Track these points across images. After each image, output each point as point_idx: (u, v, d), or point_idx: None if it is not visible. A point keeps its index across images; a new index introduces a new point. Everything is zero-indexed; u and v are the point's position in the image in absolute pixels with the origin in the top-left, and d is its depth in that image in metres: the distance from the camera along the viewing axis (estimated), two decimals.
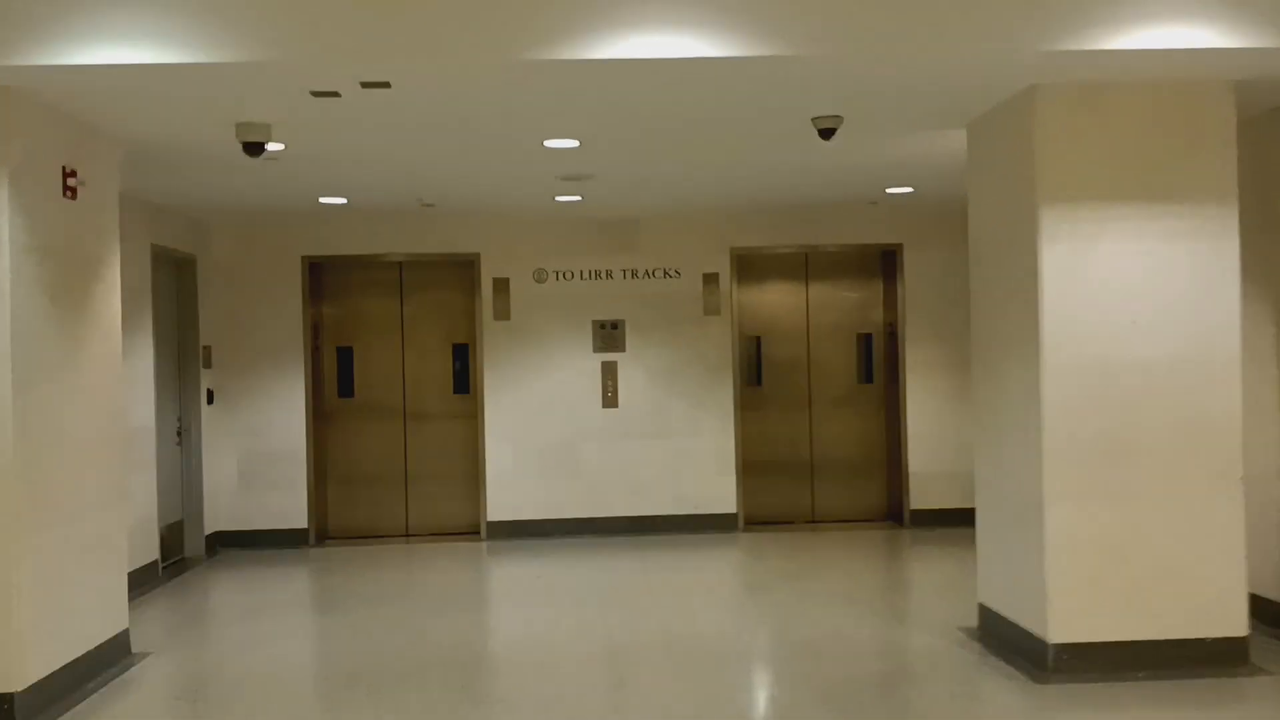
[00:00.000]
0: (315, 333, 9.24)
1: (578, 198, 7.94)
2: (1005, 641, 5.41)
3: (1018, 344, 5.20)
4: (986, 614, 5.69)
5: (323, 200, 7.84)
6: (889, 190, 8.09)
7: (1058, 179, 5.00)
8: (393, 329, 9.44)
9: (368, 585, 7.67)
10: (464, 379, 9.37)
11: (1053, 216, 4.98)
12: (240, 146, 5.51)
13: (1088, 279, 4.98)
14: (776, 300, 9.64)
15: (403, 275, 9.44)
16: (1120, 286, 4.99)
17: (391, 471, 9.44)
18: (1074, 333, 4.96)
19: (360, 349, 9.43)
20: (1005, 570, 5.48)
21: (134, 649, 5.72)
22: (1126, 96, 4.99)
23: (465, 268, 9.23)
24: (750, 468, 9.37)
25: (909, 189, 8.04)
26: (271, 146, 5.86)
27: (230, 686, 5.39)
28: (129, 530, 7.15)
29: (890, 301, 9.51)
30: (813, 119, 5.51)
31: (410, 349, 9.44)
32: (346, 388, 9.42)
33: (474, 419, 9.23)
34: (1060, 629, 4.96)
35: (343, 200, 7.86)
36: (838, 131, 5.58)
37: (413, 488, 9.45)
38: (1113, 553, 4.96)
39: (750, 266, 9.45)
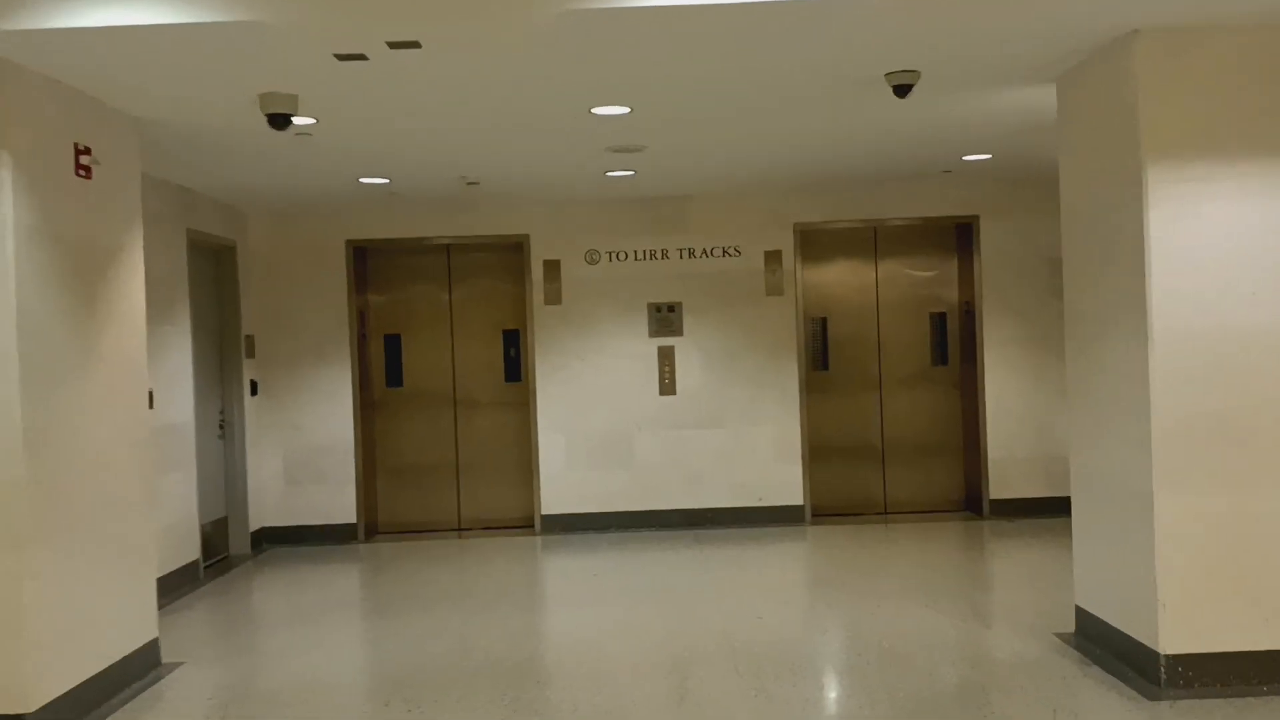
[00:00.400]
0: (361, 321, 8.90)
1: (630, 173, 7.48)
2: (1109, 650, 4.87)
3: (1121, 315, 4.65)
4: (1085, 618, 5.15)
5: (363, 181, 7.47)
6: (965, 158, 7.51)
7: (1163, 133, 4.43)
8: (441, 316, 9.07)
9: (417, 584, 7.31)
10: (515, 367, 8.98)
11: (1159, 174, 4.42)
12: (265, 120, 5.16)
13: (1199, 242, 4.42)
14: (843, 279, 9.11)
15: (450, 259, 9.07)
16: (1236, 249, 4.42)
17: (442, 463, 9.08)
18: (1185, 301, 4.40)
19: (408, 337, 9.08)
20: (1107, 570, 4.93)
21: (165, 659, 5.40)
22: (1239, 39, 4.42)
23: (514, 250, 8.82)
24: (817, 456, 8.86)
25: (987, 155, 7.46)
26: (300, 120, 5.48)
27: (262, 700, 5.03)
28: (163, 532, 6.93)
29: (965, 277, 8.93)
30: (887, 74, 4.99)
31: (459, 336, 9.07)
32: (395, 377, 9.08)
33: (525, 408, 8.83)
34: (1173, 637, 4.41)
35: (384, 181, 7.48)
36: (914, 89, 5.06)
37: (464, 480, 9.09)
38: (1233, 549, 4.40)
39: (814, 243, 8.92)
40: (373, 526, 8.97)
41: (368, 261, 9.03)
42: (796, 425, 8.70)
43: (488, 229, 8.74)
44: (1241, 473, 4.39)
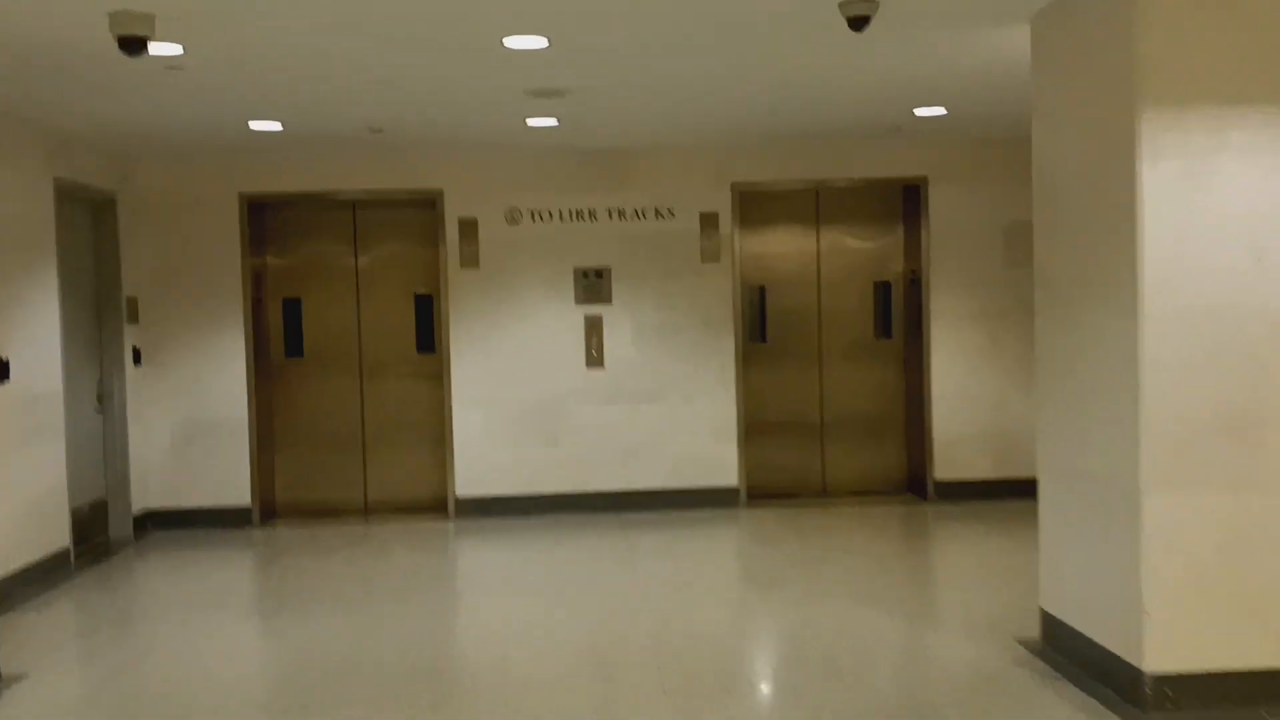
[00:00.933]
0: (257, 282, 8.09)
1: (553, 121, 6.76)
2: (1081, 663, 4.33)
3: (1107, 290, 4.07)
4: (1052, 624, 4.61)
5: (254, 126, 6.66)
6: (918, 111, 6.91)
7: (1165, 74, 3.83)
8: (346, 278, 8.29)
9: (314, 576, 6.60)
10: (428, 335, 8.24)
11: (1157, 126, 3.83)
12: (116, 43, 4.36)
13: (1203, 205, 3.84)
14: (783, 245, 8.50)
15: (356, 216, 8.28)
16: (1245, 214, 3.86)
17: (347, 441, 8.33)
18: (1184, 274, 3.83)
19: (310, 301, 8.28)
20: (1081, 572, 4.39)
21: (4, 671, 4.64)
22: None
23: (427, 207, 8.05)
24: (754, 435, 8.27)
25: (941, 110, 6.87)
26: (161, 48, 4.69)
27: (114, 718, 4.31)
28: (21, 516, 6.13)
29: (912, 245, 8.37)
30: (840, 4, 4.33)
31: (366, 301, 8.30)
32: (295, 345, 8.28)
33: (439, 380, 8.11)
34: (1160, 654, 3.87)
35: (277, 126, 6.68)
36: (870, 22, 4.41)
37: (371, 459, 8.36)
38: (1232, 555, 3.87)
39: (754, 205, 8.29)
40: (270, 509, 8.20)
41: (265, 217, 8.20)
42: (732, 402, 8.10)
43: (397, 182, 7.96)
44: (1246, 470, 3.84)
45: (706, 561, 6.82)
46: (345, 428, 8.32)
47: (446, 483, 8.07)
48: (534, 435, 8.04)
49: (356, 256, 8.28)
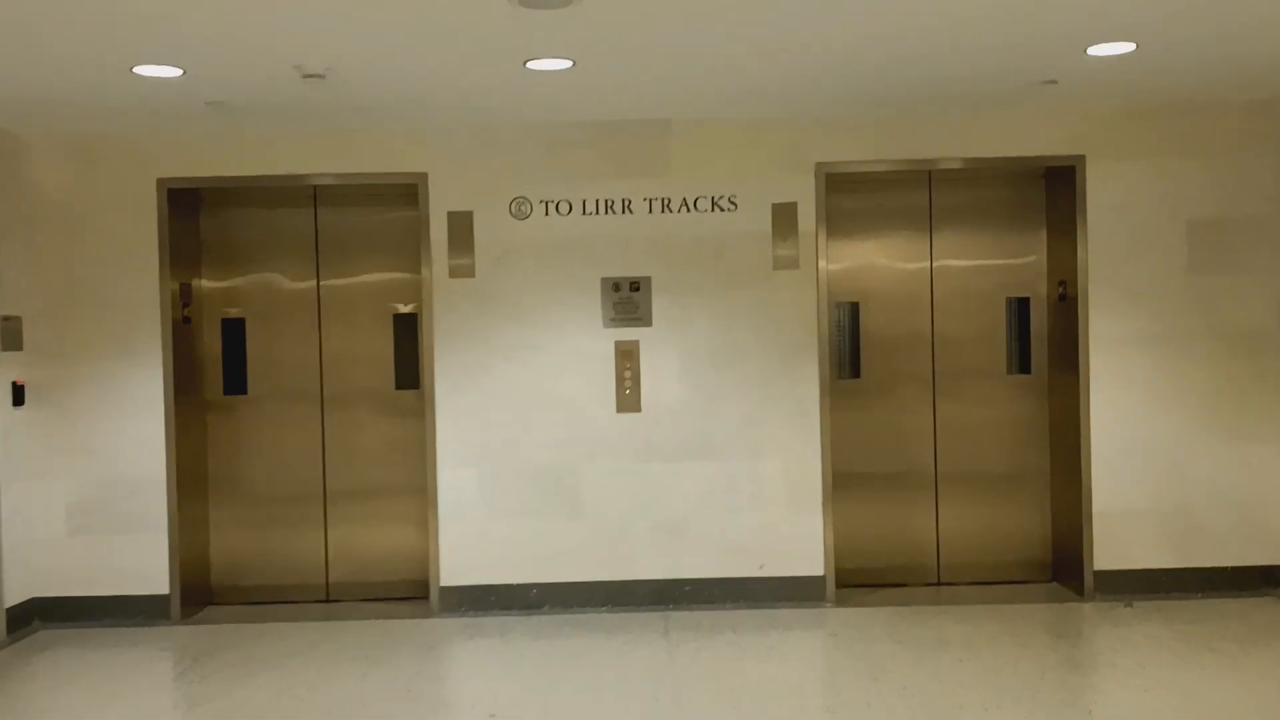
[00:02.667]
0: (185, 298, 6.13)
1: (565, 63, 4.72)
2: None
3: None
4: None
5: (141, 71, 4.70)
6: (1094, 51, 4.76)
7: None
8: (303, 293, 6.31)
9: (232, 711, 4.58)
10: (410, 366, 6.22)
11: None
12: None
13: None
14: (884, 247, 6.37)
15: (318, 212, 6.30)
16: None
17: (304, 505, 6.33)
18: None
19: (257, 323, 6.31)
20: None
21: None
22: None
23: (406, 198, 6.04)
24: (844, 502, 6.14)
25: (1126, 46, 4.72)
26: None
27: None
28: None
29: (1062, 247, 6.18)
30: None
31: (331, 322, 6.31)
32: (236, 380, 6.31)
33: (423, 426, 6.08)
34: None
35: (175, 71, 4.71)
36: None
37: (335, 529, 6.35)
38: None
39: (845, 194, 6.17)
40: (201, 593, 6.22)
41: (196, 213, 6.26)
42: (816, 457, 5.96)
43: (366, 164, 5.96)
44: None
45: (780, 694, 4.67)
46: (302, 487, 6.32)
47: (428, 562, 6.02)
48: (546, 503, 5.97)
49: (318, 263, 6.30)
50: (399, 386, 6.27)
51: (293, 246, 6.29)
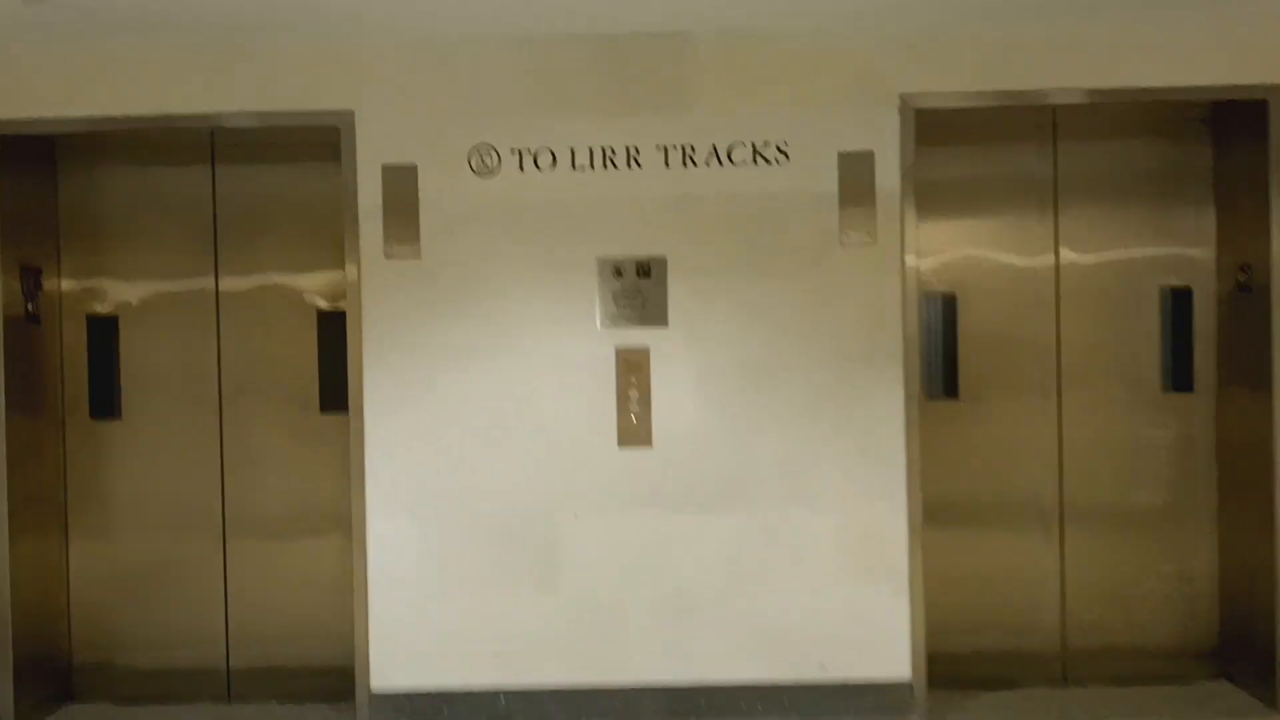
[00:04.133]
0: (29, 287, 4.48)
1: None
2: None
3: None
4: None
5: None
6: None
7: None
8: (196, 279, 4.65)
9: None
10: (340, 382, 4.52)
11: None
12: None
13: None
14: (992, 217, 4.62)
15: (215, 169, 4.64)
16: None
17: (196, 564, 4.66)
18: None
19: (133, 322, 4.66)
20: None
21: None
22: None
23: (326, 147, 4.36)
24: (936, 569, 4.38)
25: None
26: None
27: None
28: None
29: (1240, 219, 4.42)
30: None
31: (232, 320, 4.65)
32: (105, 398, 4.63)
33: (348, 462, 4.38)
34: None
35: None
36: None
37: (236, 594, 4.67)
38: None
39: (938, 141, 4.43)
40: (58, 680, 4.57)
41: (55, 174, 4.62)
42: (897, 509, 4.21)
43: (272, 100, 4.28)
44: None
45: None
46: (194, 542, 4.66)
47: (354, 651, 4.31)
48: (513, 569, 4.26)
49: (216, 242, 4.64)
50: (325, 408, 4.59)
51: (183, 218, 4.64)
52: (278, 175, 4.61)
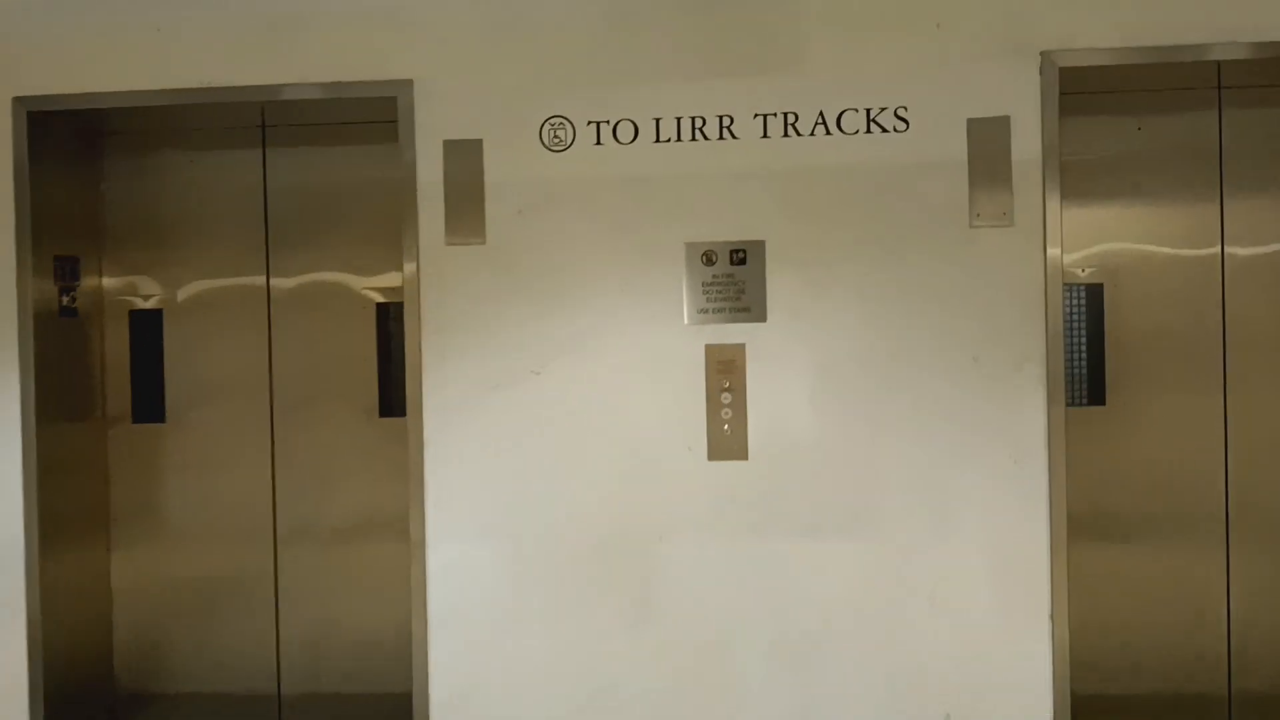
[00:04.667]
0: (65, 278, 4.11)
1: None
2: None
3: None
4: None
5: None
6: None
7: None
8: (248, 273, 4.24)
9: None
10: (398, 382, 4.06)
11: None
12: None
13: None
14: (1147, 192, 3.97)
15: (266, 148, 4.23)
16: None
17: (246, 579, 4.25)
18: None
19: (180, 317, 4.28)
20: None
21: None
22: None
23: (383, 122, 3.88)
24: (1083, 600, 3.74)
25: None
26: None
27: None
28: None
29: None
30: None
31: (285, 314, 4.23)
32: (149, 401, 4.26)
33: (406, 473, 3.91)
34: None
35: None
36: None
37: (288, 610, 4.25)
38: None
39: (1086, 110, 3.80)
40: (101, 694, 4.19)
41: (100, 158, 4.25)
42: (1038, 534, 3.59)
43: (323, 70, 3.83)
44: None
45: None
46: (243, 557, 4.25)
47: (412, 680, 3.84)
48: (597, 602, 3.74)
49: (267, 231, 4.23)
50: (385, 413, 4.15)
51: (232, 207, 4.23)
52: (334, 160, 4.18)
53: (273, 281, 4.20)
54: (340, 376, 4.20)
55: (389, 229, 3.90)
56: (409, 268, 3.76)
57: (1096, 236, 3.95)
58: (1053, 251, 3.57)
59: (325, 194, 4.19)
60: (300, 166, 4.19)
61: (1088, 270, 3.93)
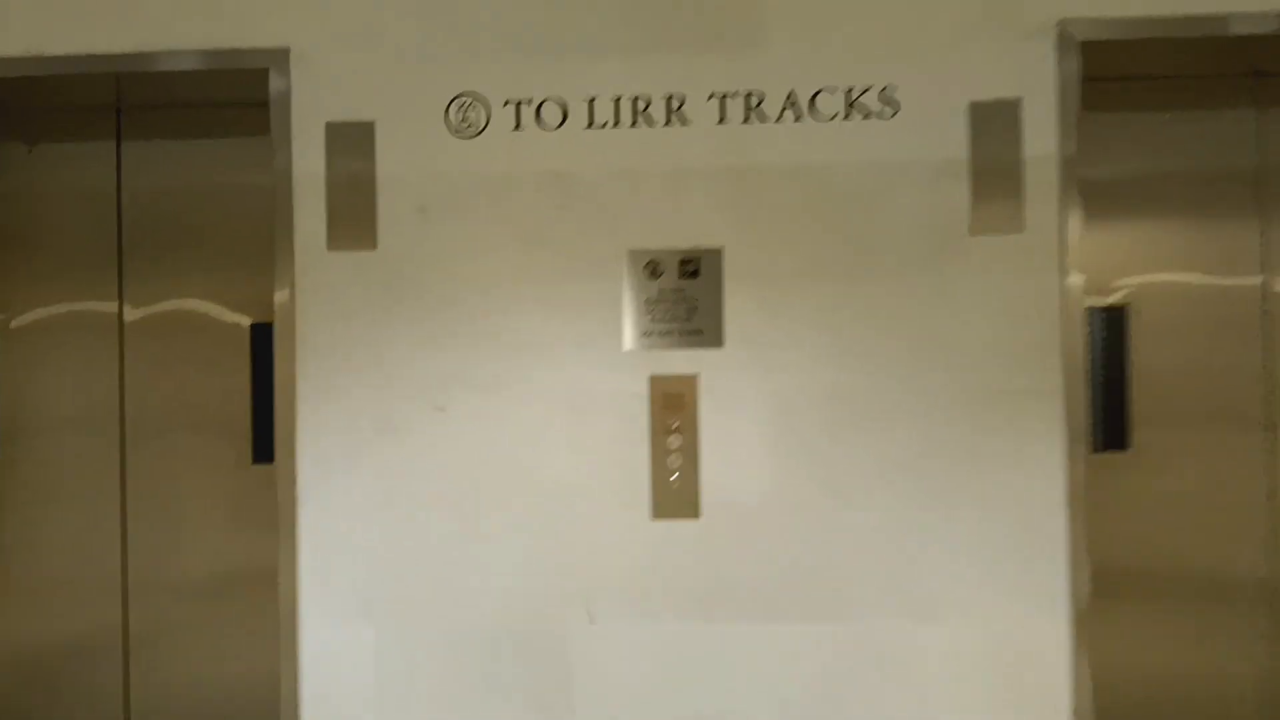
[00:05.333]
0: None
1: None
2: None
3: None
4: None
5: None
6: None
7: None
8: (93, 281, 3.48)
9: None
10: (268, 422, 3.32)
11: None
12: None
13: None
14: (1175, 198, 3.34)
15: (121, 138, 3.49)
16: None
17: (89, 647, 3.47)
18: None
19: (11, 345, 3.51)
20: None
21: None
22: None
23: (257, 108, 3.17)
24: (1104, 692, 3.06)
25: None
26: None
27: None
28: None
29: None
30: None
31: (139, 338, 3.48)
32: None
33: (278, 535, 3.16)
34: None
35: None
36: None
37: (139, 683, 3.47)
38: None
39: (1101, 108, 3.17)
40: None
41: None
42: (1060, 608, 2.92)
43: (185, 37, 3.13)
44: None
45: None
46: (84, 619, 3.47)
47: None
48: (504, 699, 3.00)
49: (121, 236, 3.48)
50: (260, 458, 3.40)
51: (79, 209, 3.49)
52: (204, 154, 3.45)
53: (127, 304, 3.46)
54: (208, 413, 3.45)
55: (269, 239, 3.17)
56: (281, 280, 3.04)
57: (1122, 233, 3.31)
58: (1071, 265, 2.92)
59: (193, 196, 3.46)
60: (162, 161, 3.45)
61: (1105, 285, 3.29)
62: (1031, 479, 2.92)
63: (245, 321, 3.41)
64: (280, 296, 3.03)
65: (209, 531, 3.44)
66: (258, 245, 3.29)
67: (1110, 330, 3.30)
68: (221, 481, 3.43)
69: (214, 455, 3.39)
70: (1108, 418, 3.28)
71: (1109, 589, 3.18)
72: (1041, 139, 2.93)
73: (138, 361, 3.45)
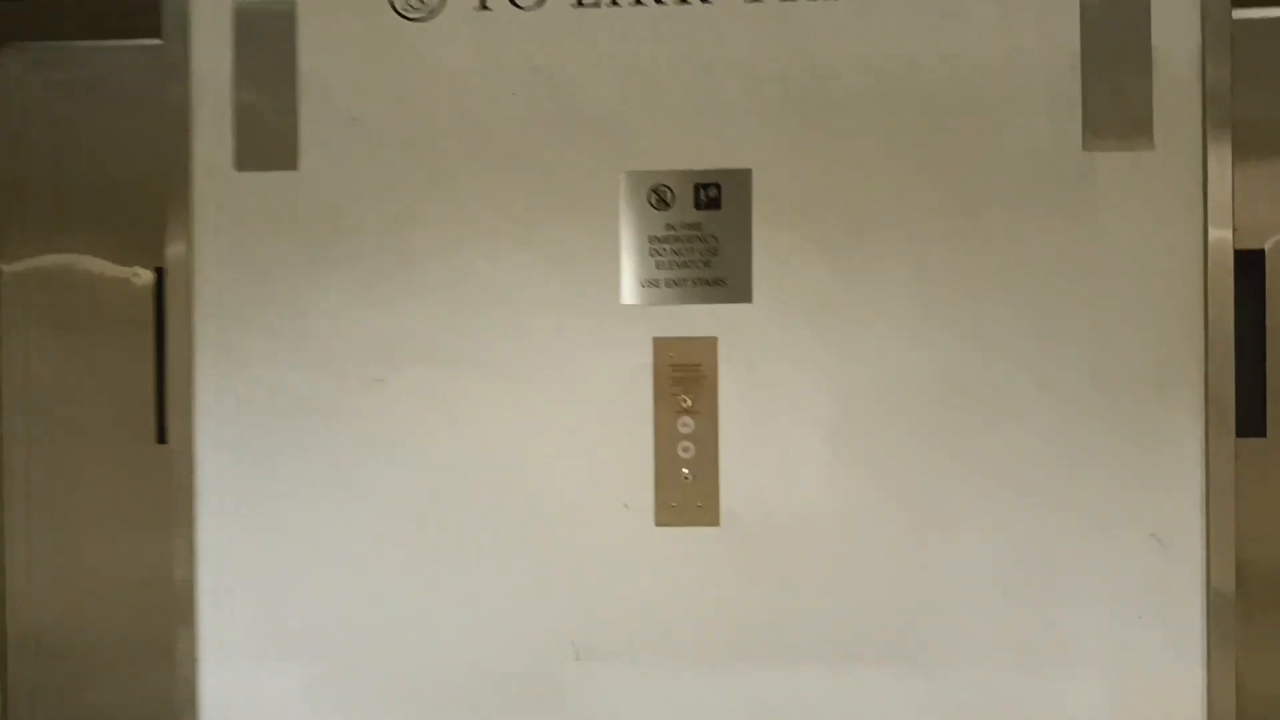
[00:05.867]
0: None
1: None
2: None
3: None
4: None
5: None
6: None
7: None
8: None
9: None
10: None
11: None
12: None
13: None
14: None
15: None
16: None
17: None
18: None
19: None
20: None
21: None
22: None
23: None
24: None
25: None
26: None
27: None
28: None
29: None
30: None
31: (20, 305, 2.78)
32: None
33: (175, 550, 2.48)
34: None
35: None
36: None
37: (20, 710, 2.82)
38: None
39: None
40: None
41: None
42: (1195, 654, 2.22)
43: None
44: None
45: None
46: None
47: None
48: None
49: None
50: (164, 438, 2.71)
51: None
52: (94, 60, 2.73)
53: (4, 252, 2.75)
54: (103, 388, 2.75)
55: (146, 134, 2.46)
56: (174, 214, 2.32)
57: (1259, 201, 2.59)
58: (1219, 195, 2.19)
59: (78, 117, 2.74)
60: (42, 67, 2.73)
61: (1246, 227, 2.56)
62: (1167, 484, 2.21)
63: (143, 274, 2.70)
64: (173, 233, 2.31)
65: (121, 520, 2.75)
66: (157, 176, 2.58)
67: (1241, 282, 2.57)
68: (126, 450, 2.74)
69: (135, 418, 2.70)
70: (1249, 387, 2.57)
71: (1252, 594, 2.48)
72: (1179, 34, 2.19)
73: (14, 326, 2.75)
